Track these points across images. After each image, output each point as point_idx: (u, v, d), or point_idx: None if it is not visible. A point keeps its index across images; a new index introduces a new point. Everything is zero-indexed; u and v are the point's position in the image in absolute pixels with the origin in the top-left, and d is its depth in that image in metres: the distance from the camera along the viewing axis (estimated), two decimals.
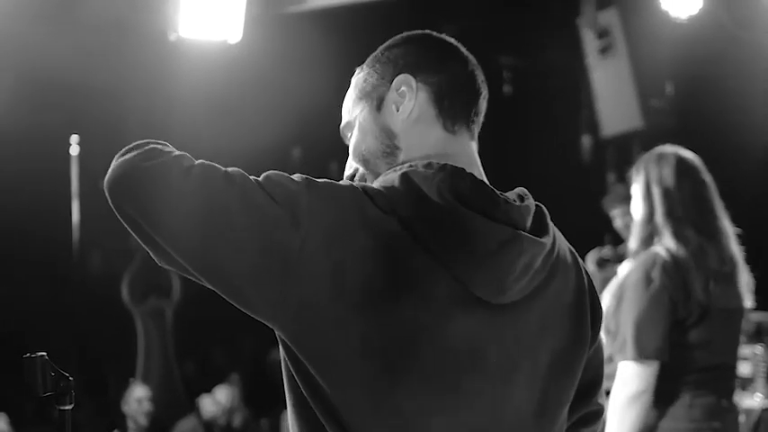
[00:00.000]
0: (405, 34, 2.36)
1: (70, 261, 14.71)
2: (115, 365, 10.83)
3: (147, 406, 8.93)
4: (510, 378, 2.10)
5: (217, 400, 9.58)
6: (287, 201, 1.99)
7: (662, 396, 4.65)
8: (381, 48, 2.36)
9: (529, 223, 2.14)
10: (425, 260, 2.01)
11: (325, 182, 2.07)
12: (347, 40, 9.27)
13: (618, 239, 8.09)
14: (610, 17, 9.14)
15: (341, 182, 2.13)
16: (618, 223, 7.95)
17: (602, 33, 9.16)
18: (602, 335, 2.47)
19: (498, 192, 2.15)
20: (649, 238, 4.83)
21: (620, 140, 10.26)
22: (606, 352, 3.80)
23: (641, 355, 4.58)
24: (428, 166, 2.11)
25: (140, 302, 11.25)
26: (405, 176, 2.08)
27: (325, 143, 13.65)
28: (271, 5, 8.99)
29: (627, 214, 7.88)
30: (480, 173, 2.24)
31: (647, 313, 4.61)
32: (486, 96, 2.34)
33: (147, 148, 2.14)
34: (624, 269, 5.15)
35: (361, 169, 2.30)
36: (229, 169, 2.05)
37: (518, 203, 2.15)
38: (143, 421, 8.88)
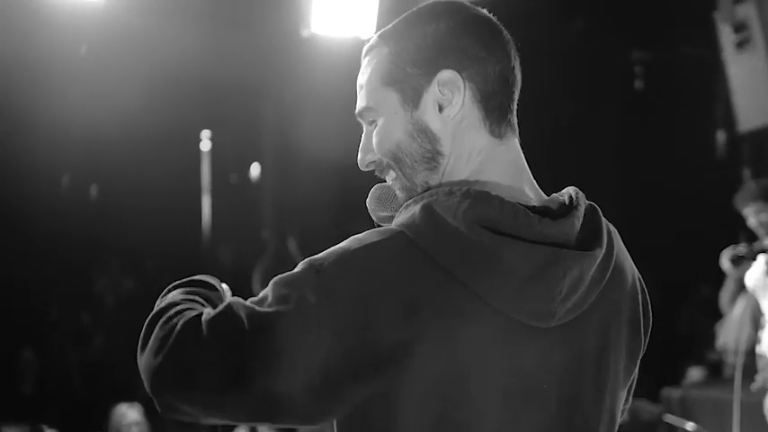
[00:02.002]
0: (433, 5, 2.08)
1: (201, 255, 14.91)
2: None
3: None
4: (571, 405, 1.97)
5: None
6: (301, 309, 1.85)
7: None
8: (406, 20, 2.09)
9: (576, 234, 1.94)
10: (465, 295, 1.84)
11: (337, 266, 1.88)
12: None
13: (753, 236, 7.93)
14: (747, 10, 8.94)
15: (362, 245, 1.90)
16: (751, 222, 7.78)
17: (739, 27, 8.96)
18: None
19: (540, 201, 2.01)
20: None
21: (755, 136, 10.05)
22: None
23: None
24: (450, 193, 1.90)
25: None
26: (428, 209, 1.89)
27: None
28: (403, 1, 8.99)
29: (761, 212, 7.71)
30: (528, 177, 2.06)
31: None
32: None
33: (152, 335, 1.99)
34: None
35: (381, 161, 2.11)
36: (233, 308, 1.90)
37: (561, 215, 1.96)
38: None
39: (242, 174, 15.64)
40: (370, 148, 2.11)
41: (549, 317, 1.90)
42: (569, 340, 1.95)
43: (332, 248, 1.94)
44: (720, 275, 8.14)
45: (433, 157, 2.02)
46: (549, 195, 2.07)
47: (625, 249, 2.12)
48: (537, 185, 2.08)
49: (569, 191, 2.05)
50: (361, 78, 2.10)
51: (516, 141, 2.07)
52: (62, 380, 10.84)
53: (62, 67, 9.22)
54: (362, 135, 2.15)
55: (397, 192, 2.09)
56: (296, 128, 11.13)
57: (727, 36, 9.13)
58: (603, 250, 1.97)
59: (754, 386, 5.02)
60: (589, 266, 1.93)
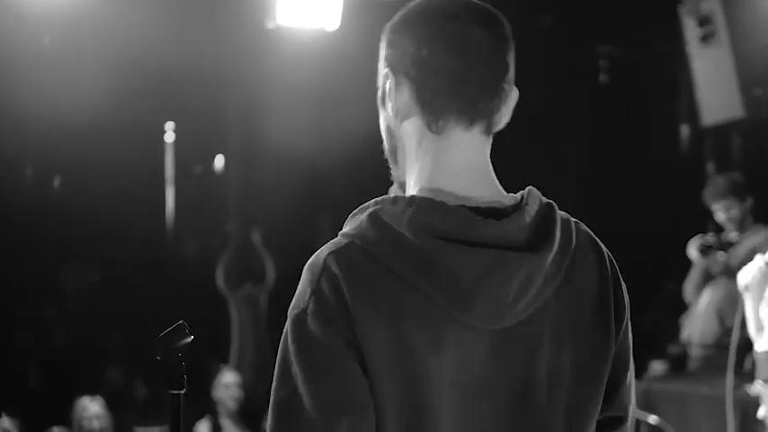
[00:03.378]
0: (411, 5, 2.10)
1: (165, 247, 14.85)
2: (209, 352, 10.91)
3: (235, 391, 8.98)
4: (523, 402, 2.00)
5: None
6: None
7: None
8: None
9: (525, 234, 1.97)
10: (415, 297, 1.91)
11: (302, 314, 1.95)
12: None
13: (720, 228, 7.96)
14: (712, 5, 8.98)
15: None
16: (720, 217, 7.82)
17: (704, 21, 9.01)
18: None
19: (490, 199, 2.02)
20: None
21: (719, 130, 10.10)
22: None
23: None
24: (394, 201, 1.96)
25: (235, 289, 11.33)
26: (374, 218, 1.96)
27: None
28: None
29: (731, 207, 7.74)
30: (480, 172, 2.06)
31: None
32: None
33: None
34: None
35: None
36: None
37: (506, 215, 1.98)
38: (232, 406, 8.93)
39: (206, 165, 15.59)
40: None
41: (500, 318, 1.94)
42: (523, 338, 1.98)
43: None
44: (684, 269, 8.17)
45: (392, 152, 2.11)
46: (514, 192, 2.08)
47: (592, 240, 2.12)
48: (494, 179, 2.08)
49: (524, 191, 2.06)
50: None
51: (466, 135, 2.05)
52: (23, 372, 10.77)
53: (25, 57, 9.15)
54: None
55: None
56: (261, 119, 11.11)
57: (691, 30, 9.17)
58: (554, 249, 1.99)
59: (753, 390, 4.98)
60: (538, 267, 1.96)
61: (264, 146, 11.29)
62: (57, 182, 14.55)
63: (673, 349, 8.77)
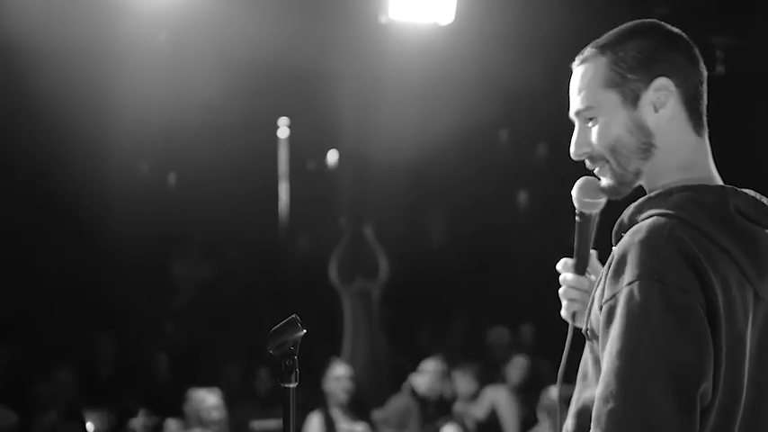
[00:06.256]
0: (639, 24, 2.47)
1: (278, 243, 14.98)
2: (321, 346, 10.97)
3: (346, 384, 9.01)
4: (766, 361, 2.33)
5: (425, 372, 9.63)
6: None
7: None
8: (616, 35, 2.46)
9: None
10: (738, 273, 2.26)
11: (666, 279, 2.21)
12: (557, 22, 9.15)
13: None
14: None
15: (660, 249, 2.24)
16: None
17: None
18: None
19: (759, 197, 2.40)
20: None
21: None
22: None
23: None
24: (708, 189, 2.34)
25: (348, 283, 11.37)
26: (693, 200, 2.30)
27: (532, 125, 13.63)
28: None
29: None
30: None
31: None
32: None
33: None
34: None
35: (598, 153, 2.43)
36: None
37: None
38: (344, 398, 8.96)
39: (319, 161, 15.69)
40: (587, 142, 2.45)
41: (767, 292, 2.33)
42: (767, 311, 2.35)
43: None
44: None
45: (647, 149, 2.41)
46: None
47: None
48: None
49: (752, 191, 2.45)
50: (580, 83, 2.46)
51: (708, 140, 2.49)
52: (141, 365, 10.92)
53: (141, 55, 9.28)
54: (575, 131, 2.48)
55: (606, 179, 2.46)
56: (373, 115, 11.12)
57: None
58: None
59: None
60: None
61: (377, 141, 11.30)
62: (172, 179, 14.76)
63: None
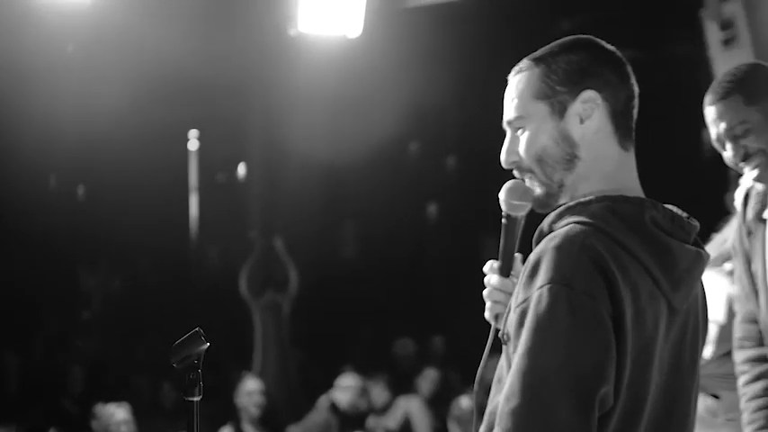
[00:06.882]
0: (575, 39, 2.55)
1: (188, 255, 14.90)
2: (233, 361, 10.94)
3: (258, 398, 8.99)
4: (676, 377, 2.42)
5: (345, 387, 9.60)
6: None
7: None
8: (551, 49, 2.51)
9: (692, 238, 2.46)
10: (650, 284, 2.33)
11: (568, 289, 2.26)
12: (465, 35, 9.23)
13: None
14: (734, 8, 8.95)
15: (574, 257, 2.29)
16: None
17: (726, 25, 8.97)
18: None
19: (680, 213, 2.47)
20: None
21: None
22: None
23: None
24: (626, 200, 2.39)
25: (258, 296, 11.35)
26: (610, 209, 2.36)
27: (442, 138, 13.73)
28: (391, 0, 8.99)
29: None
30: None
31: None
32: None
33: None
34: None
35: (526, 165, 2.48)
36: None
37: (689, 222, 2.47)
38: (255, 413, 8.94)
39: (229, 173, 15.64)
40: (515, 150, 2.50)
41: (684, 303, 2.41)
42: (683, 321, 2.44)
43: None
44: None
45: (571, 159, 2.45)
46: None
47: None
48: None
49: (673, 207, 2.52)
50: (513, 93, 2.51)
51: (634, 155, 2.55)
52: (48, 380, 10.80)
53: (49, 66, 9.20)
54: (506, 140, 2.52)
55: (536, 188, 2.50)
56: (283, 127, 11.13)
57: (713, 34, 9.14)
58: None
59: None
60: (703, 266, 2.47)
61: (287, 153, 11.31)
62: (80, 190, 14.62)
63: None
